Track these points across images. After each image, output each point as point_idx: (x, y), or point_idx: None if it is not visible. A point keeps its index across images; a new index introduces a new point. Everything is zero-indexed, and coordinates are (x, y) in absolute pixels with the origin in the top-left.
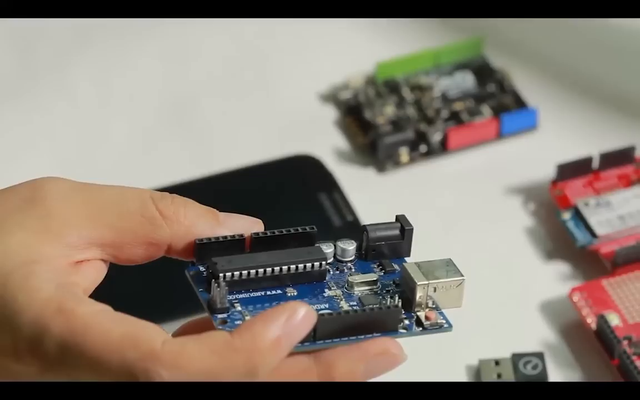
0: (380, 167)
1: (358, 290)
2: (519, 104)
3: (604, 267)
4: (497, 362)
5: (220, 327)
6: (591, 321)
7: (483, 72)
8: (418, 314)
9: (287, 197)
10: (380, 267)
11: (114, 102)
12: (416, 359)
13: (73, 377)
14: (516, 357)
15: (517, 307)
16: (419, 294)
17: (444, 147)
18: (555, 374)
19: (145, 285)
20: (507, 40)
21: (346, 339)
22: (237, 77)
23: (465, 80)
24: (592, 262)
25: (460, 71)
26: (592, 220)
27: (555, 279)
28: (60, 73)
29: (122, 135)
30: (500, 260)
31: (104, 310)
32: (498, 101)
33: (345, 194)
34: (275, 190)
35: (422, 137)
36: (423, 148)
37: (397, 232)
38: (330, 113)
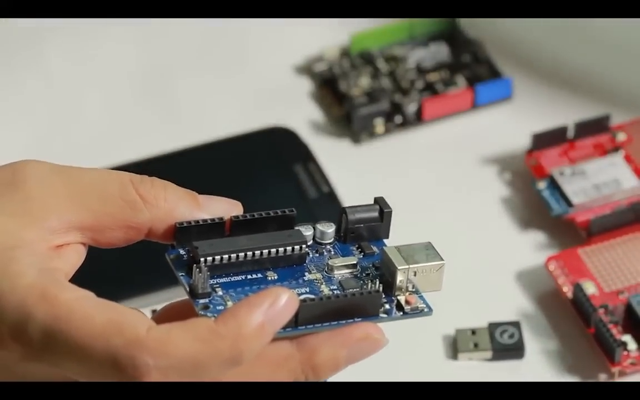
0: (356, 138)
1: (338, 274)
2: (494, 74)
3: (579, 236)
4: (473, 332)
5: (202, 312)
6: (567, 290)
7: (457, 42)
8: (398, 298)
9: (262, 169)
10: (360, 249)
11: (87, 78)
12: (393, 329)
13: (56, 364)
14: (492, 326)
15: (493, 276)
16: (400, 278)
17: (419, 118)
18: (532, 343)
19: (117, 260)
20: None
21: (327, 324)
22: (211, 50)
23: (440, 51)
24: (567, 231)
25: (434, 42)
26: (568, 189)
27: (531, 248)
28: (34, 50)
29: (96, 110)
30: (476, 230)
31: (87, 296)
32: (473, 72)
33: (321, 165)
34: (251, 162)
35: (397, 108)
36: (398, 119)
37: (376, 214)
38: (305, 85)
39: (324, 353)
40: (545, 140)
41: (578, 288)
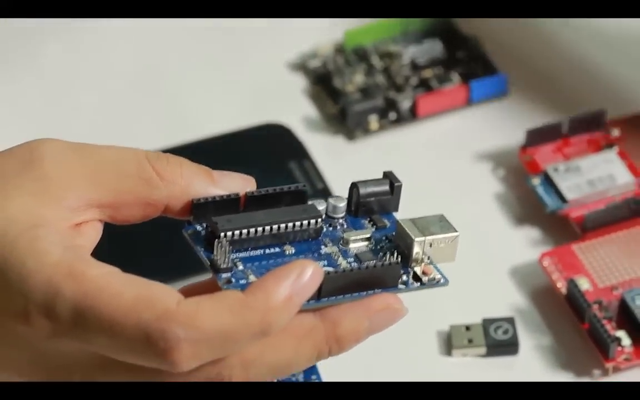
0: (350, 135)
1: (354, 247)
2: (489, 70)
3: (574, 232)
4: (467, 328)
5: (225, 286)
6: (561, 286)
7: (452, 38)
8: (415, 269)
9: (257, 166)
10: (372, 222)
11: (84, 75)
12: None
13: (86, 340)
14: (487, 322)
15: (487, 272)
16: (416, 250)
17: (413, 114)
18: (526, 339)
19: (138, 246)
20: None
21: (349, 295)
22: (206, 49)
23: (434, 47)
24: (562, 227)
25: (429, 38)
26: (562, 185)
27: (525, 244)
28: (30, 50)
29: (92, 107)
30: (471, 226)
31: (114, 272)
32: (467, 68)
33: (315, 162)
34: (246, 159)
35: (391, 105)
36: (392, 115)
37: (386, 187)
38: (300, 82)
39: (346, 324)
40: (539, 136)
41: (572, 284)
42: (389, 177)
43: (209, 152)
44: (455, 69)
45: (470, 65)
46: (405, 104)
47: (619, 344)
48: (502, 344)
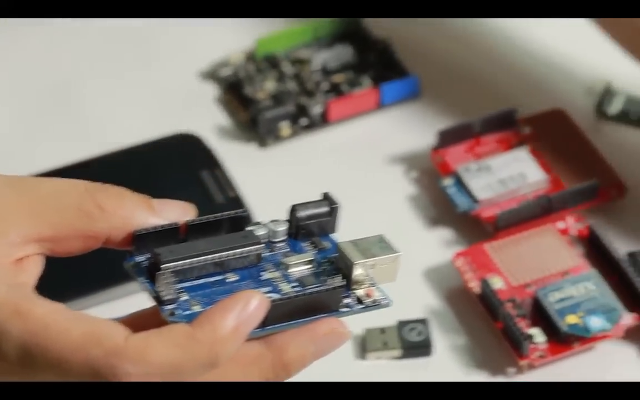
0: (262, 142)
1: (295, 271)
2: (400, 72)
3: (486, 231)
4: (382, 330)
5: (170, 318)
6: (475, 285)
7: (363, 43)
8: (357, 291)
9: (169, 176)
10: (313, 245)
11: None
12: None
13: (34, 378)
14: (401, 324)
15: (402, 274)
16: (358, 272)
17: (325, 120)
18: (441, 340)
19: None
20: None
21: (293, 322)
22: (117, 57)
23: (345, 52)
24: (474, 226)
25: (339, 43)
26: (473, 185)
27: (438, 245)
28: None
29: (3, 122)
30: (384, 229)
31: (60, 310)
32: (378, 71)
33: (227, 170)
34: (157, 170)
35: (302, 110)
36: (304, 121)
37: (325, 209)
38: (211, 90)
39: (292, 350)
40: (450, 137)
41: (485, 283)
42: (327, 198)
43: (119, 164)
44: (366, 73)
45: (380, 69)
46: (316, 109)
47: (532, 341)
48: (416, 345)
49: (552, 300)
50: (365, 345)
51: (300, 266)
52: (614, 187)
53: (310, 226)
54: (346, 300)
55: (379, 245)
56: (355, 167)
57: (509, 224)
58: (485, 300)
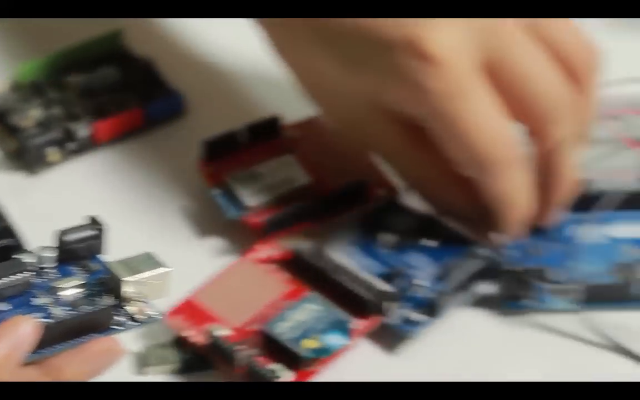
0: (31, 169)
1: (66, 294)
2: (164, 91)
3: (256, 237)
4: (161, 345)
5: None
6: (199, 338)
7: (126, 63)
8: (128, 308)
9: None
10: (84, 268)
11: None
12: None
13: None
14: (180, 339)
15: (177, 288)
16: (127, 290)
17: (93, 142)
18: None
19: None
20: (147, 29)
21: (67, 343)
22: None
23: (109, 73)
24: (245, 233)
25: (102, 65)
26: (241, 193)
27: (211, 255)
28: None
29: None
30: (158, 246)
31: None
32: (143, 91)
33: None
34: None
35: (69, 135)
36: (72, 145)
37: (91, 232)
38: None
39: (68, 371)
40: (217, 147)
41: (209, 333)
42: (93, 220)
43: None
44: (130, 93)
45: (145, 88)
46: (83, 132)
47: (276, 376)
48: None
49: (281, 331)
50: (145, 360)
51: (71, 289)
52: (383, 187)
53: (78, 250)
54: (118, 318)
55: (147, 263)
56: (127, 186)
57: (278, 227)
58: (216, 350)
